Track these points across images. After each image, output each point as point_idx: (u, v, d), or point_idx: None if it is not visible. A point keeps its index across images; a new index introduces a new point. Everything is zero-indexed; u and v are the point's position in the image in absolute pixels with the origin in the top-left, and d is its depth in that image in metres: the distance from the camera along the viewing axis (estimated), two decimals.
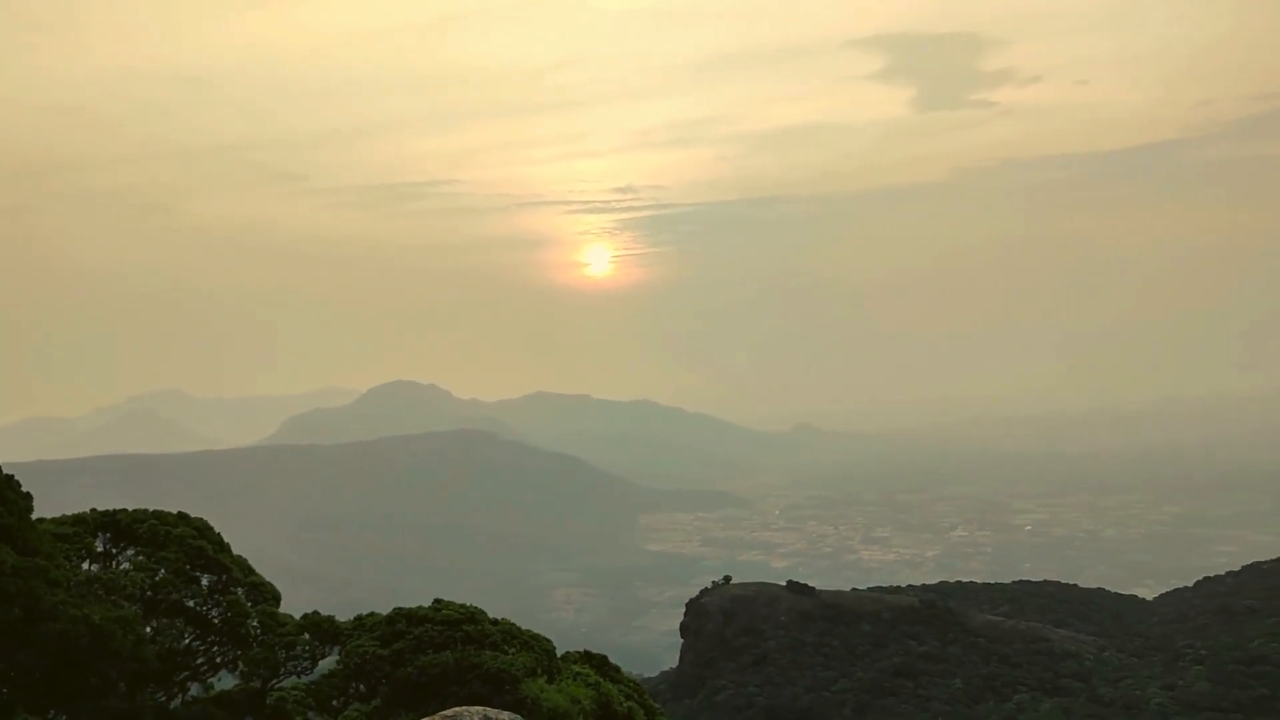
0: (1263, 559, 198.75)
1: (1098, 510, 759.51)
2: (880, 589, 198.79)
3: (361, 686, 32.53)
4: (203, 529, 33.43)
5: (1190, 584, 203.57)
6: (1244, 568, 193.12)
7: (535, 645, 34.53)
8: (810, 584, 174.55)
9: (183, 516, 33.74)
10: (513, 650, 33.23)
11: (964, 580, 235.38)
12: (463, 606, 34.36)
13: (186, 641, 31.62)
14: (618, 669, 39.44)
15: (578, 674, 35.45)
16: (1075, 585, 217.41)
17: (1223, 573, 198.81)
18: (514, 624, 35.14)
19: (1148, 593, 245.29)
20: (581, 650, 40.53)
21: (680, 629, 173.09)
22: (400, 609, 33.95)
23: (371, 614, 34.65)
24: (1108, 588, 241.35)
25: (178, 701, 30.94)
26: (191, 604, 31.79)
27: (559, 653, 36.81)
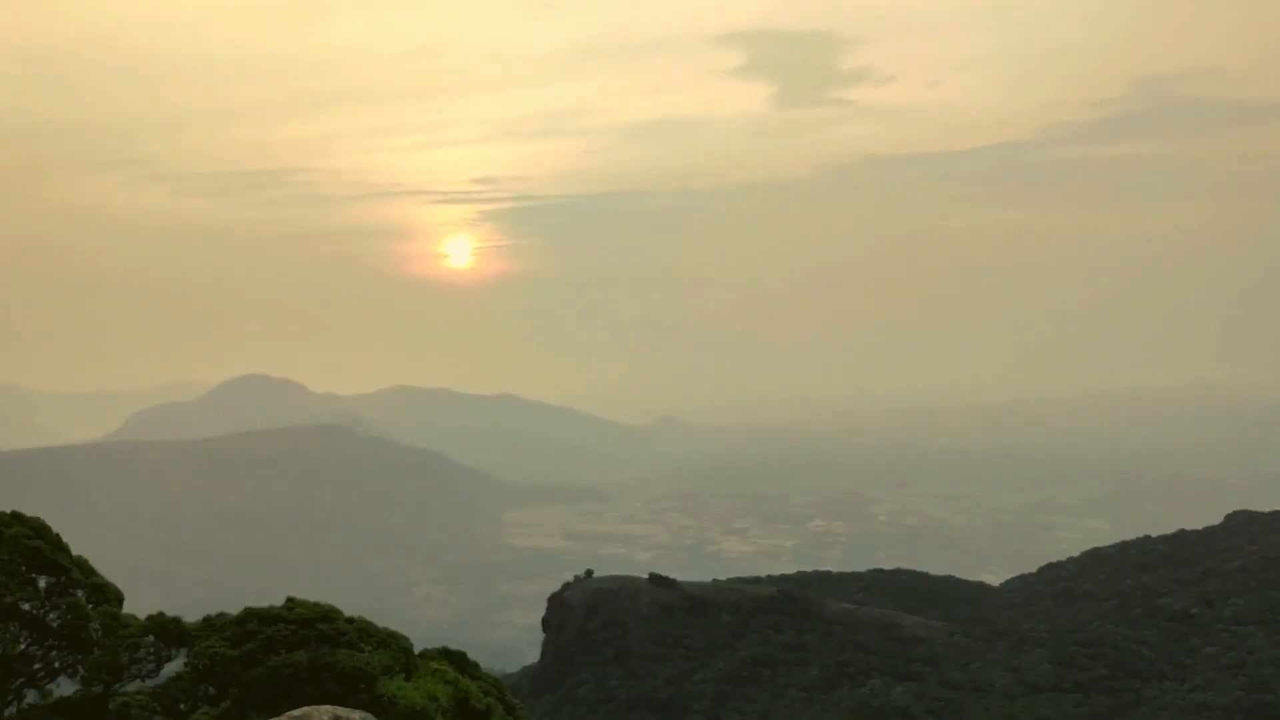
0: (1102, 545, 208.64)
1: (949, 500, 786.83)
2: (740, 580, 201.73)
3: (210, 689, 31.39)
4: (39, 529, 31.86)
5: (1034, 570, 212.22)
6: (1084, 553, 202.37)
7: (392, 643, 33.83)
8: (672, 576, 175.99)
9: (17, 516, 32.09)
10: (369, 649, 32.48)
11: (821, 570, 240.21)
12: (317, 605, 33.40)
13: (22, 647, 30.19)
14: (476, 665, 38.93)
15: (436, 671, 34.83)
16: (926, 573, 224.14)
17: (1064, 559, 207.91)
18: (370, 622, 34.38)
19: (994, 579, 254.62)
20: (440, 647, 39.87)
21: (542, 624, 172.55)
22: (251, 609, 32.82)
23: (221, 614, 33.46)
24: (957, 575, 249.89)
25: (13, 709, 29.47)
26: (28, 607, 30.33)
27: (417, 650, 36.14)
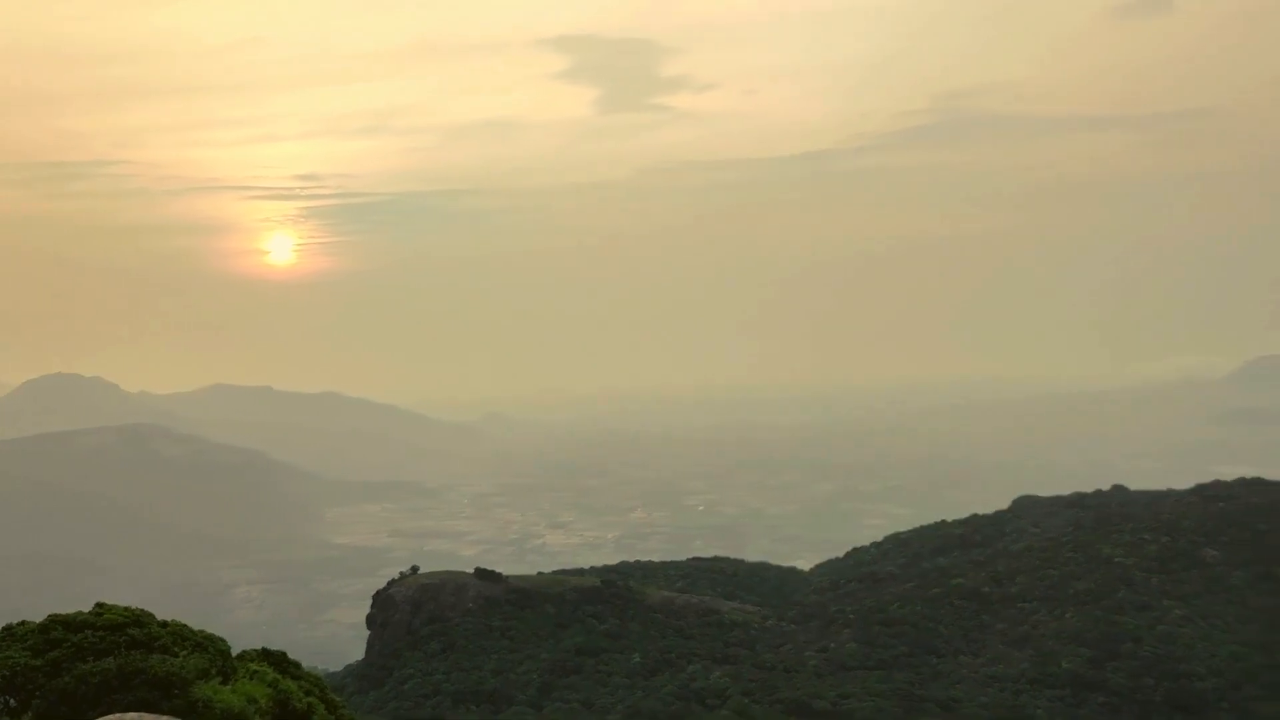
0: (902, 530, 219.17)
1: (763, 489, 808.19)
2: (564, 572, 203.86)
3: (12, 701, 30.83)
4: None
5: (842, 555, 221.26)
6: (886, 538, 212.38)
7: (209, 646, 33.94)
8: (497, 570, 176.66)
9: None
10: (184, 653, 32.46)
11: (642, 560, 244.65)
12: (127, 610, 33.15)
13: None
14: (298, 665, 39.39)
15: (255, 673, 35.08)
16: (742, 560, 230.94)
17: (869, 544, 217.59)
18: (186, 625, 34.46)
19: (805, 564, 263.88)
20: (260, 648, 40.13)
21: (367, 621, 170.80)
22: (56, 616, 32.26)
23: (23, 623, 32.83)
24: (770, 561, 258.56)
25: None
26: None
27: (236, 652, 36.37)
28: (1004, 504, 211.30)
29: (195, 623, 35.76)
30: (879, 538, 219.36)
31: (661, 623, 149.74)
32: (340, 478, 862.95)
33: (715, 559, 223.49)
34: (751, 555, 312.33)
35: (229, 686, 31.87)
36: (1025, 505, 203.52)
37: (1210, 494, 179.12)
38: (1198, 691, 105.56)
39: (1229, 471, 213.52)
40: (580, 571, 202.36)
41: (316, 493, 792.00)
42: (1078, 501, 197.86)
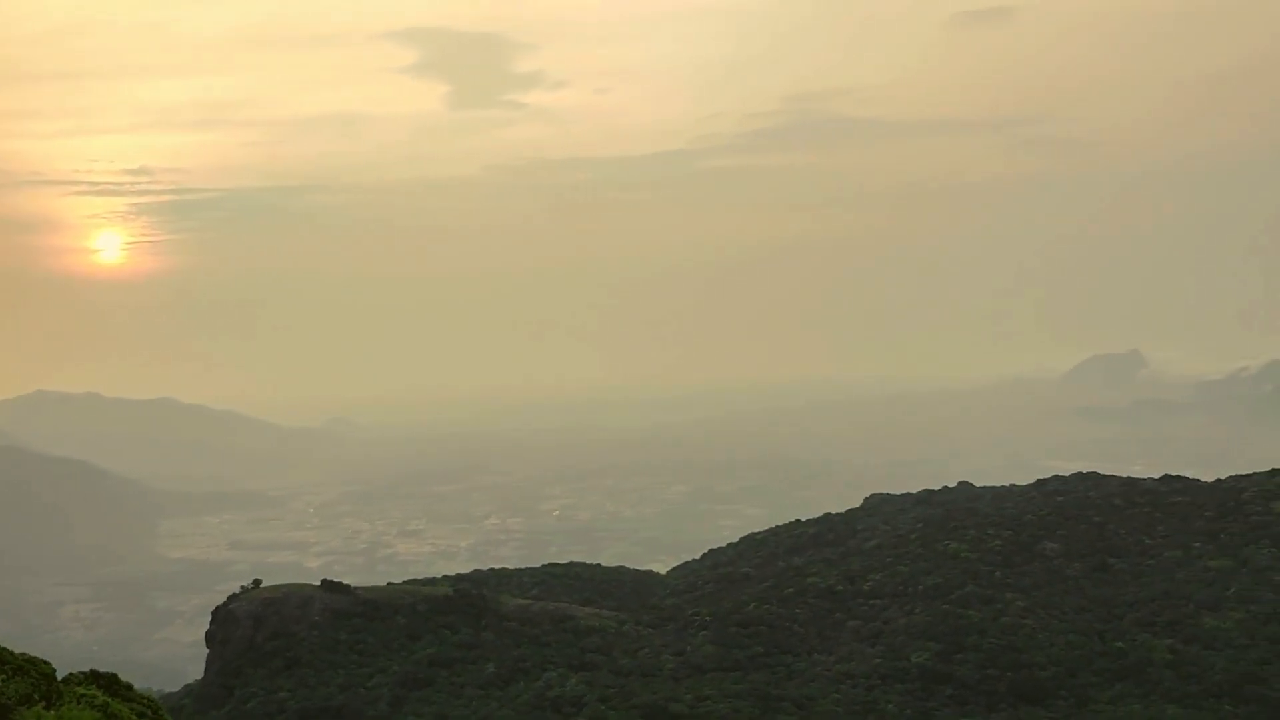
0: (758, 530, 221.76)
1: (619, 493, 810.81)
2: (416, 581, 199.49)
3: None
4: None
5: (698, 556, 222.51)
6: (742, 538, 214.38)
7: (30, 669, 31.25)
8: (345, 581, 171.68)
9: None
10: (3, 678, 29.92)
11: (496, 567, 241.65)
12: None
13: None
14: (130, 687, 36.66)
15: (82, 696, 32.48)
16: (599, 564, 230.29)
17: (725, 544, 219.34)
18: (5, 648, 31.66)
19: (662, 567, 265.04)
20: (88, 670, 37.23)
21: (206, 638, 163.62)
22: None
23: None
24: (627, 564, 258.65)
25: None
26: None
27: (62, 675, 33.55)
28: (856, 502, 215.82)
29: (16, 645, 32.84)
30: (735, 538, 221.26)
31: (516, 631, 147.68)
32: (175, 488, 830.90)
33: (571, 564, 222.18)
34: (608, 559, 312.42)
35: (53, 712, 29.33)
36: (876, 503, 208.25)
37: (1049, 489, 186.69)
38: (1039, 680, 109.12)
39: (1066, 467, 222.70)
40: (432, 581, 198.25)
41: (150, 505, 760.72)
42: (926, 499, 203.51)
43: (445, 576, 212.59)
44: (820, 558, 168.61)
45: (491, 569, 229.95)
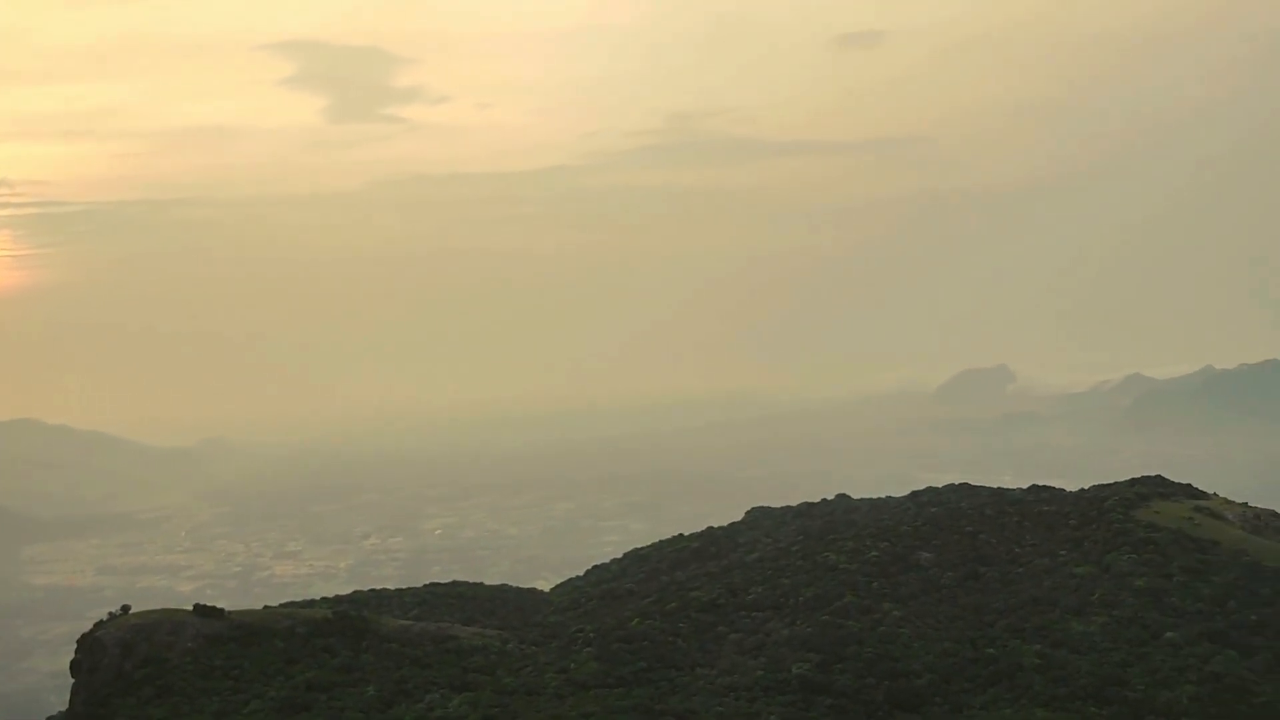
0: (641, 545, 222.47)
1: (502, 511, 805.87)
2: (294, 604, 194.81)
3: None
4: None
5: (582, 573, 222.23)
6: (625, 554, 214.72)
7: None
8: (220, 605, 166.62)
9: None
10: None
11: (377, 588, 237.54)
12: None
13: None
14: None
15: None
16: (481, 583, 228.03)
17: (609, 560, 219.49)
18: None
19: (546, 584, 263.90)
20: None
21: (71, 668, 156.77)
22: None
23: None
24: (511, 583, 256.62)
25: None
26: None
27: None
28: (738, 515, 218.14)
29: None
30: (619, 554, 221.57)
31: (397, 652, 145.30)
32: (38, 513, 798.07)
33: (453, 584, 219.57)
34: (491, 578, 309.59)
35: None
36: (758, 516, 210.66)
37: (924, 500, 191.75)
38: (915, 688, 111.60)
39: (940, 478, 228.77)
40: (311, 603, 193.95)
41: (10, 530, 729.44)
42: (806, 511, 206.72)
43: (324, 598, 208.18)
44: (703, 571, 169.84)
45: (372, 590, 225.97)
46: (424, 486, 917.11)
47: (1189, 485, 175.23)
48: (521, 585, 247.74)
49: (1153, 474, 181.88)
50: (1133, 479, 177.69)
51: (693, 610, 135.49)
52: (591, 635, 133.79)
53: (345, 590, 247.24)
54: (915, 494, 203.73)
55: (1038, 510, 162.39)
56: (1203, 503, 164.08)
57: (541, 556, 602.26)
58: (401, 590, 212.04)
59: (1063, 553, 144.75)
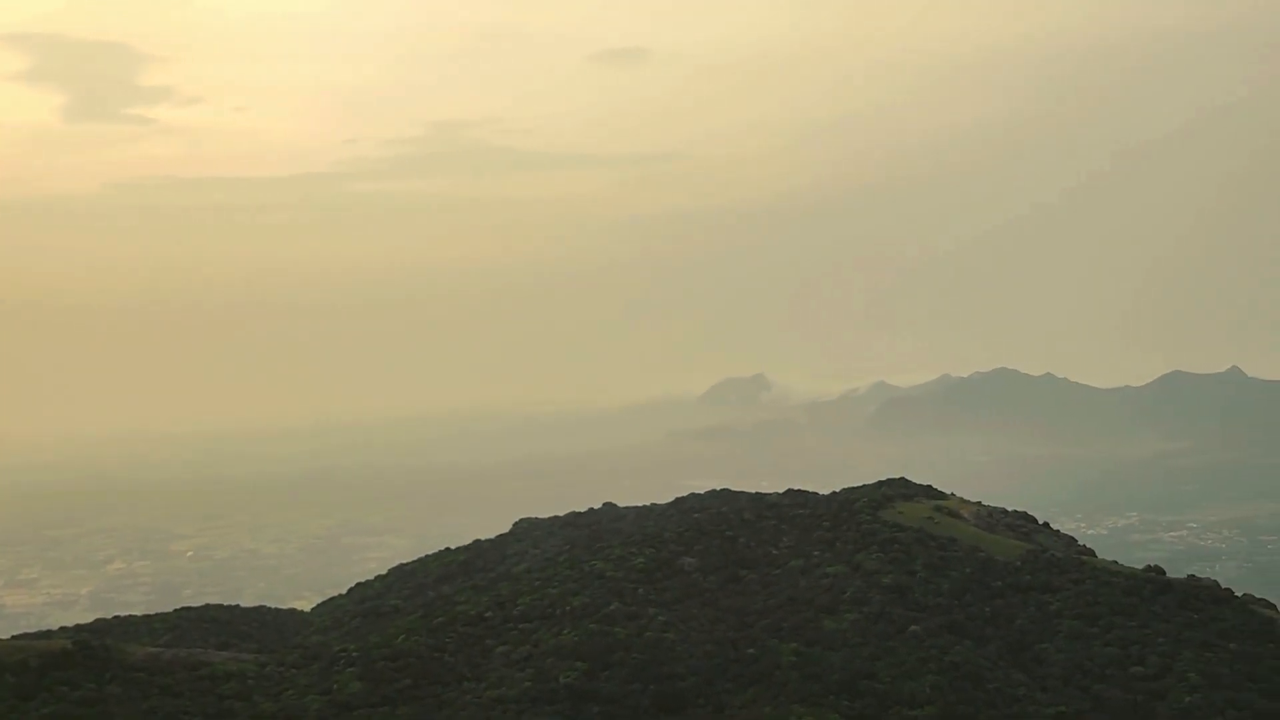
0: (407, 560, 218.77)
1: (258, 529, 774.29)
2: (27, 635, 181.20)
3: None
4: None
5: (344, 591, 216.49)
6: (390, 570, 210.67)
7: None
8: None
9: None
10: None
11: (123, 614, 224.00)
12: None
13: None
14: None
15: None
16: (237, 605, 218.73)
17: (372, 577, 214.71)
18: None
19: (306, 604, 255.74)
20: None
21: None
22: None
23: None
24: (269, 604, 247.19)
25: None
26: None
27: None
28: (506, 527, 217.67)
29: None
30: (383, 570, 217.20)
31: (145, 682, 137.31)
32: None
33: (206, 607, 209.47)
34: (248, 599, 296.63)
35: None
36: (525, 528, 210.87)
37: (687, 506, 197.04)
38: (679, 691, 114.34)
39: (702, 484, 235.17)
40: (48, 633, 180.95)
41: None
42: (573, 521, 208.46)
43: (63, 628, 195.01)
44: (470, 584, 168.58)
45: (117, 616, 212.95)
46: (174, 507, 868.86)
47: (929, 486, 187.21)
48: (280, 606, 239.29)
49: (897, 476, 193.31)
50: (879, 481, 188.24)
51: (460, 624, 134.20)
52: (355, 655, 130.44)
53: (87, 619, 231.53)
54: (679, 500, 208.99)
55: (793, 514, 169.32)
56: (942, 503, 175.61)
57: (301, 576, 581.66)
58: (150, 616, 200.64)
59: (817, 553, 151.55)
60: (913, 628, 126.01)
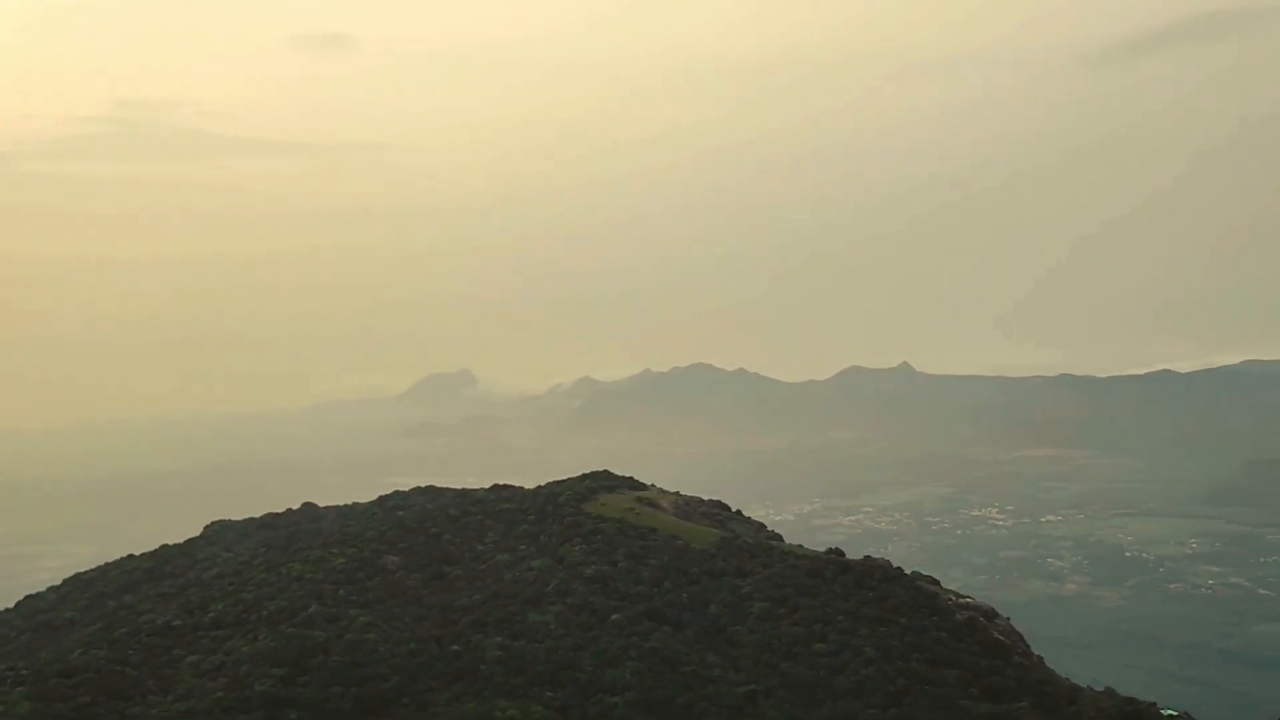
0: (85, 569, 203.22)
1: None
2: None
3: None
4: None
5: (13, 604, 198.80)
6: (66, 580, 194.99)
7: None
8: None
9: None
10: None
11: None
12: None
13: None
14: None
15: None
16: None
17: (45, 589, 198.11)
18: None
19: None
20: None
21: None
22: None
23: None
24: None
25: None
26: None
27: None
28: (196, 531, 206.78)
29: None
30: (57, 581, 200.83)
31: None
32: None
33: None
34: None
35: None
36: (218, 531, 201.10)
37: (390, 504, 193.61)
38: (383, 691, 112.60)
39: (406, 482, 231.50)
40: None
41: None
42: (270, 523, 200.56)
43: None
44: (156, 592, 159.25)
45: None
46: None
47: (631, 478, 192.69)
48: None
49: (601, 469, 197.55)
50: (584, 474, 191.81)
51: (144, 635, 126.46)
52: (24, 673, 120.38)
53: None
54: (382, 499, 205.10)
55: (499, 508, 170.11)
56: (643, 493, 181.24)
57: None
58: None
59: (522, 547, 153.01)
60: (614, 616, 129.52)
